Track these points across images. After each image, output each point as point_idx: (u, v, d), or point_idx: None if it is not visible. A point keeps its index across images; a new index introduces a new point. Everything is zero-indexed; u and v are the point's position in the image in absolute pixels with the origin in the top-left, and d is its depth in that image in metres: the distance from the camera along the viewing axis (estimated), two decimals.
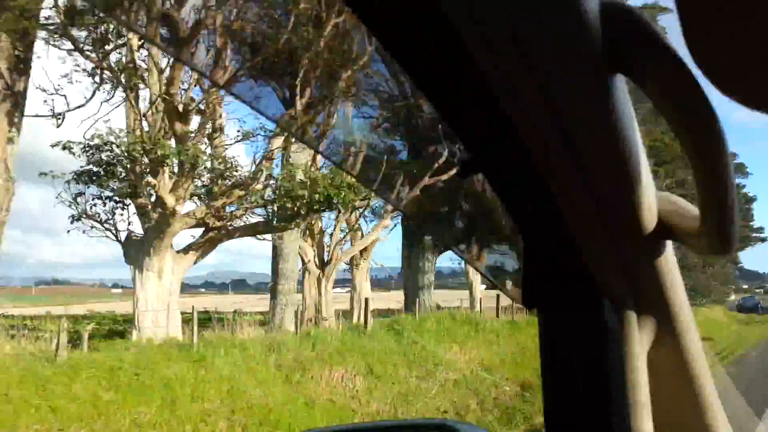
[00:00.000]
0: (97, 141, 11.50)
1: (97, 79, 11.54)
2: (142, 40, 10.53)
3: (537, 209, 0.71)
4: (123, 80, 10.96)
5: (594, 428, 0.71)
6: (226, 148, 12.72)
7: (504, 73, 0.53)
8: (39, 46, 10.83)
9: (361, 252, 19.95)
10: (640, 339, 0.74)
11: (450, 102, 0.64)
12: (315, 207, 13.56)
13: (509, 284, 1.16)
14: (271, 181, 13.55)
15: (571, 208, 0.66)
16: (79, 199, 12.87)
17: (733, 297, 69.41)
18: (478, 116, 0.64)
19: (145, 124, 11.61)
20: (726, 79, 0.39)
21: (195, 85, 11.22)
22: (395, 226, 22.61)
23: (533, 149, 0.60)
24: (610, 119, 0.55)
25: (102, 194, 13.21)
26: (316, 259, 18.31)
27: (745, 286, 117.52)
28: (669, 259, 0.75)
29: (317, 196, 13.37)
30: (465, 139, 0.68)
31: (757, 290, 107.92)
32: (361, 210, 18.11)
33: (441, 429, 1.68)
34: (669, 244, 0.73)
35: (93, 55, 10.94)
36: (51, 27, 10.54)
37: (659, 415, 0.76)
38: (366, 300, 19.32)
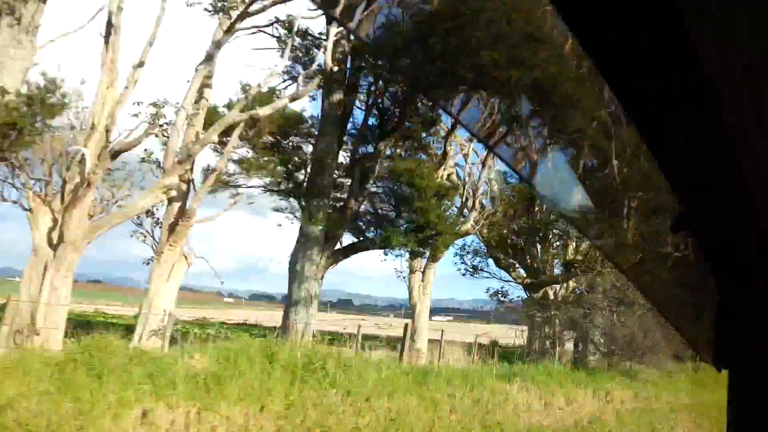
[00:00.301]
0: None
1: None
2: None
3: (747, 269, 0.68)
4: None
5: None
6: None
7: (745, 130, 0.49)
8: None
9: (169, 235, 12.71)
10: None
11: (676, 154, 0.57)
12: None
13: (695, 339, 1.20)
14: None
15: None
16: None
17: None
18: (706, 170, 0.58)
19: None
20: None
21: None
22: (238, 196, 15.17)
23: (762, 201, 0.57)
24: None
25: None
26: (55, 234, 11.34)
27: None
28: None
29: None
30: (684, 192, 0.63)
31: None
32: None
33: None
34: None
35: None
36: None
37: None
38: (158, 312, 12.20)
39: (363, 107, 16.11)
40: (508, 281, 23.94)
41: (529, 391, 14.64)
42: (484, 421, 12.22)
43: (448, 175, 18.77)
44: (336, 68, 13.22)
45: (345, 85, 15.05)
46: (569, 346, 22.93)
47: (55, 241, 11.14)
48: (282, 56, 13.63)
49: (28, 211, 11.34)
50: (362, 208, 16.74)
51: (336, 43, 13.05)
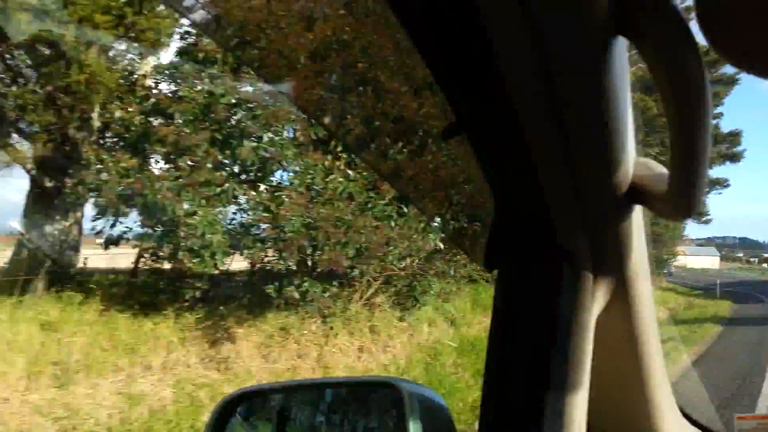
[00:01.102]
0: None
1: None
2: None
3: (513, 169, 0.70)
4: None
5: (532, 383, 0.72)
6: None
7: (503, 29, 0.53)
8: None
9: None
10: (591, 302, 0.76)
11: (442, 58, 0.61)
12: None
13: (472, 246, 1.18)
14: None
15: (547, 167, 0.66)
16: None
17: None
18: (471, 74, 0.61)
19: None
20: (728, 42, 0.39)
21: None
22: None
23: (520, 108, 0.60)
24: (605, 82, 0.55)
25: None
26: None
27: (740, 255, 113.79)
28: (635, 225, 0.75)
29: None
30: (453, 99, 0.66)
31: (752, 259, 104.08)
32: None
33: (386, 386, 1.53)
34: (639, 210, 0.74)
35: None
36: None
37: (601, 380, 0.80)
38: None
39: None
40: None
41: None
42: None
43: None
44: None
45: None
46: None
47: None
48: None
49: None
50: None
51: None
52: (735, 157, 32.90)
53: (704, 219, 41.08)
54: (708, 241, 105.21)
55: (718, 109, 28.22)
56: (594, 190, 0.68)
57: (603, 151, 0.62)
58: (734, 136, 31.80)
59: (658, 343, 0.90)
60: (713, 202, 51.97)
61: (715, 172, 37.96)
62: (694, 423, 1.23)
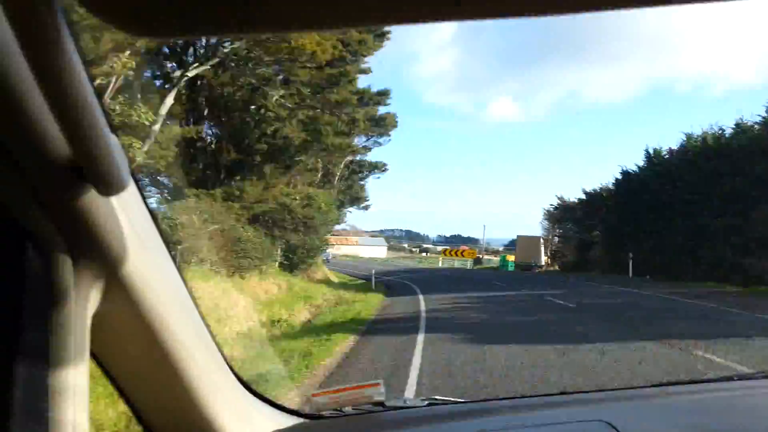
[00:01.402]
0: None
1: None
2: None
3: None
4: None
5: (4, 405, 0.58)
6: None
7: None
8: None
9: None
10: (75, 290, 0.65)
11: None
12: None
13: None
14: None
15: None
16: None
17: None
18: None
19: None
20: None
21: None
22: None
23: None
24: (36, 46, 0.47)
25: None
26: None
27: (405, 245, 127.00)
28: (105, 204, 0.65)
29: None
30: None
31: (413, 249, 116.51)
32: None
33: None
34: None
35: None
36: None
37: (133, 374, 0.79)
38: None
39: None
40: None
41: None
42: None
43: None
44: None
45: None
46: None
47: None
48: None
49: None
50: None
51: None
52: (381, 122, 30.57)
53: (364, 205, 40.42)
54: (380, 233, 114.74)
55: (368, 64, 24.94)
56: (34, 162, 0.58)
57: (26, 119, 0.54)
58: (383, 96, 29.32)
59: (188, 324, 0.84)
60: (374, 187, 53.41)
61: (373, 155, 37.24)
62: (271, 403, 1.22)
